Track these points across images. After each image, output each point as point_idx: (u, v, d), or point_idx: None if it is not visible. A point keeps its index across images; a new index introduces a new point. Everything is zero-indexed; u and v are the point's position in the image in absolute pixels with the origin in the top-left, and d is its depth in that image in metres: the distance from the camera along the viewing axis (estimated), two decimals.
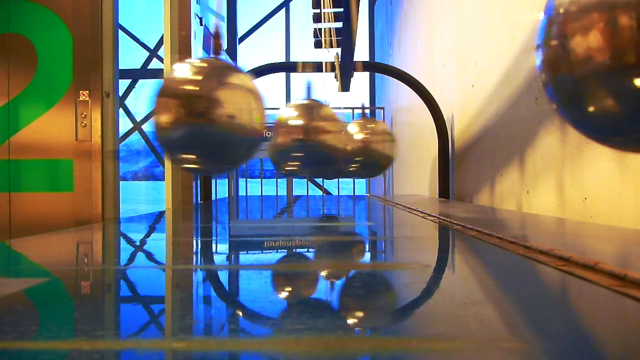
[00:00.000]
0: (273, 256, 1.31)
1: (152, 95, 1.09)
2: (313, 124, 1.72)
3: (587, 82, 0.60)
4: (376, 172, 2.66)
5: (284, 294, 0.84)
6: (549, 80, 0.66)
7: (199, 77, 1.10)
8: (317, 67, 3.72)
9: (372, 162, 2.46)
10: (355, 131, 2.41)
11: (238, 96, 1.11)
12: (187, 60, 1.16)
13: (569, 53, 0.60)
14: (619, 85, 0.57)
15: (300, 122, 1.73)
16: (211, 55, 1.16)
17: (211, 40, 1.20)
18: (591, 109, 0.62)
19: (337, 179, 5.18)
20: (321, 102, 1.82)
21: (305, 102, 1.80)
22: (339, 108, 3.61)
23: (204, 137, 1.08)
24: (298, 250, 1.43)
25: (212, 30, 1.24)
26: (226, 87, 1.11)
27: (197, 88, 1.08)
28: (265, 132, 1.25)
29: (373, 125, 2.53)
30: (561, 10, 0.62)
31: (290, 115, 1.75)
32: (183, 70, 1.13)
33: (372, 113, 7.43)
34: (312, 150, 1.71)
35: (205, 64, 1.15)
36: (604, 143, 0.69)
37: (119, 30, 3.29)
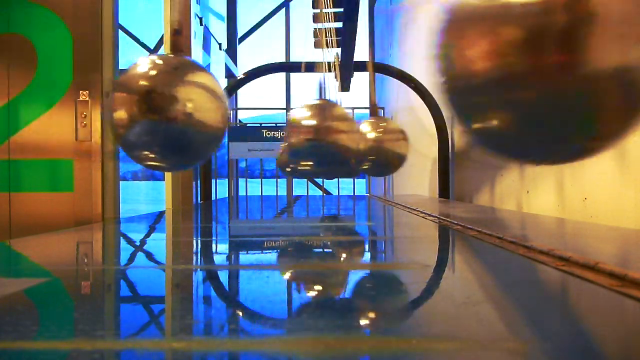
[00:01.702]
0: (273, 256, 1.31)
1: (110, 91, 1.09)
2: (326, 124, 1.72)
3: (474, 94, 0.59)
4: (389, 171, 2.65)
5: (283, 294, 0.84)
6: (442, 91, 0.65)
7: (154, 73, 1.09)
8: (318, 67, 3.71)
9: (385, 161, 2.44)
10: (367, 130, 2.40)
11: (194, 93, 1.11)
12: (146, 57, 1.15)
13: (455, 63, 0.60)
14: (505, 96, 0.57)
15: (313, 122, 1.73)
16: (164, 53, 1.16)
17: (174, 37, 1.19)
18: (482, 119, 0.62)
19: (337, 179, 5.19)
20: (334, 102, 1.82)
21: (318, 102, 1.80)
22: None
23: (161, 134, 1.08)
24: (298, 250, 1.42)
25: (176, 26, 1.22)
26: (183, 83, 1.10)
27: (153, 84, 1.07)
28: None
29: (385, 124, 2.53)
30: (447, 19, 0.62)
31: (303, 116, 1.75)
32: (141, 66, 1.11)
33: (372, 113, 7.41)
34: (325, 151, 1.71)
35: (161, 61, 1.14)
36: (496, 154, 0.69)
37: (119, 30, 3.29)
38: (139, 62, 1.12)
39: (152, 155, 1.16)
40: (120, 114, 1.07)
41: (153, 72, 1.09)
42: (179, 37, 1.19)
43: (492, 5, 0.56)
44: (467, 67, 0.58)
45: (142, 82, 1.07)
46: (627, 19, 0.51)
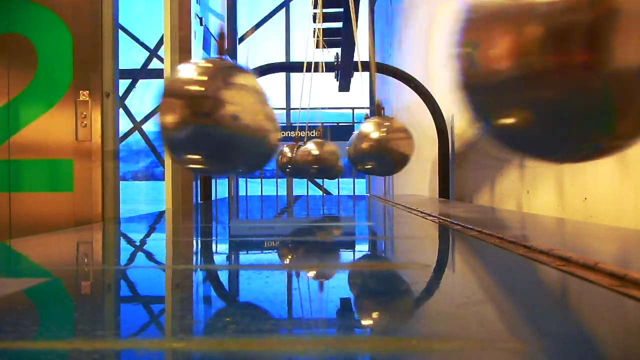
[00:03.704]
0: (273, 256, 1.31)
1: (157, 96, 1.08)
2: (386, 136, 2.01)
3: (496, 92, 0.59)
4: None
5: (283, 294, 0.84)
6: (463, 90, 0.65)
7: (205, 78, 1.10)
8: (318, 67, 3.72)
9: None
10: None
11: (243, 96, 1.11)
12: (191, 61, 1.16)
13: (476, 61, 0.60)
14: (524, 94, 0.57)
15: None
16: (216, 56, 1.16)
17: (216, 41, 1.20)
18: (502, 119, 0.62)
19: (337, 179, 5.19)
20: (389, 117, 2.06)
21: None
22: (339, 108, 3.62)
23: (211, 138, 1.07)
24: (298, 250, 1.42)
25: (216, 31, 1.22)
26: (232, 87, 1.10)
27: (203, 88, 1.07)
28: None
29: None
30: (470, 16, 0.62)
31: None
32: (188, 71, 1.12)
33: (373, 113, 7.43)
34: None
35: (210, 64, 1.14)
36: (518, 154, 0.69)
37: (119, 30, 3.29)
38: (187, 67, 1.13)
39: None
40: (169, 118, 1.06)
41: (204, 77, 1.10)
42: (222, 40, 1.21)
43: (513, 3, 0.56)
44: (490, 66, 0.58)
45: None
46: None
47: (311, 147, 2.98)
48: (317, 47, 4.33)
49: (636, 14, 0.51)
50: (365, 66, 3.90)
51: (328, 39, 5.16)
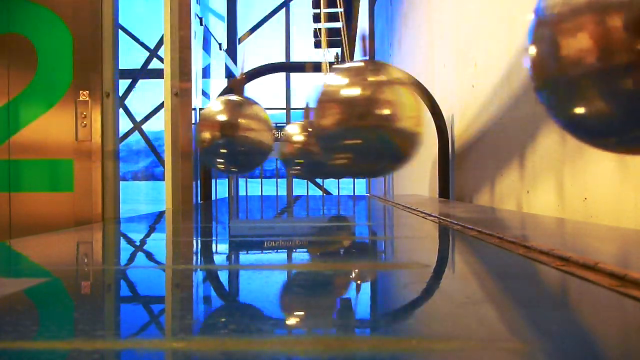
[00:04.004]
0: (273, 256, 1.31)
1: (315, 99, 1.15)
2: None
3: (576, 84, 0.59)
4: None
5: (283, 294, 0.84)
6: (539, 82, 0.65)
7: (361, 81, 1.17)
8: (318, 67, 3.72)
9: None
10: None
11: (397, 94, 1.17)
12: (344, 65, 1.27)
13: (559, 54, 0.60)
14: (608, 86, 0.57)
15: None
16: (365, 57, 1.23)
17: (362, 43, 1.28)
18: (582, 110, 0.62)
19: (337, 179, 5.19)
20: None
21: None
22: None
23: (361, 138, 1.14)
24: (298, 250, 1.42)
25: (363, 34, 1.29)
26: (385, 87, 1.16)
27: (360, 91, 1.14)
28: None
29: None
30: (550, 12, 0.62)
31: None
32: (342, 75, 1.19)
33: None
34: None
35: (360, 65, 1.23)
36: (597, 146, 0.69)
37: (119, 30, 3.29)
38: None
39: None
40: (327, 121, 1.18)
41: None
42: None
43: None
44: (570, 59, 0.58)
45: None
46: None
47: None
48: (319, 47, 4.33)
49: None
50: None
51: (328, 39, 5.16)
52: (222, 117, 1.64)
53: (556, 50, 0.60)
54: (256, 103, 1.72)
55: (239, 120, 1.63)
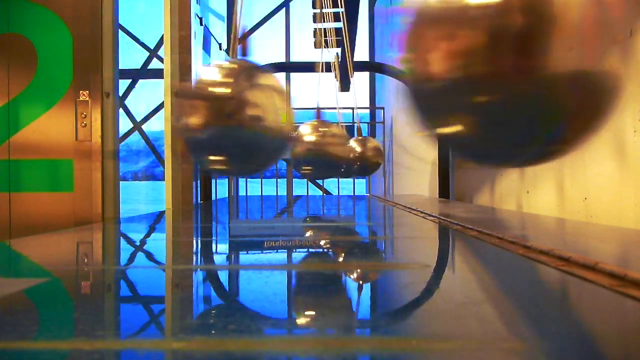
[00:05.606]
0: (273, 256, 1.31)
1: (178, 98, 1.11)
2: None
3: (436, 96, 0.59)
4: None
5: (283, 294, 0.84)
6: (406, 93, 0.65)
7: (229, 79, 1.11)
8: (317, 67, 3.72)
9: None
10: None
11: (265, 97, 1.12)
12: (214, 63, 1.19)
13: (417, 66, 0.60)
14: (466, 99, 0.57)
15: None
16: (239, 57, 1.18)
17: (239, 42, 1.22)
18: (441, 122, 0.62)
19: (337, 179, 5.19)
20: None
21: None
22: (339, 108, 3.64)
23: (232, 139, 1.07)
24: (298, 250, 1.42)
25: (239, 33, 1.23)
26: (255, 88, 1.11)
27: (228, 90, 1.08)
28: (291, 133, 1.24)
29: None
30: (409, 22, 0.62)
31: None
32: (212, 73, 1.13)
33: (372, 113, 7.44)
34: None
35: (234, 65, 1.15)
36: (462, 157, 0.70)
37: (119, 30, 3.29)
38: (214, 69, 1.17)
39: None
40: (193, 120, 1.08)
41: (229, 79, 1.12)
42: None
43: (451, 7, 0.56)
44: (428, 71, 0.58)
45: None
46: (585, 24, 0.51)
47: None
48: (318, 46, 4.33)
49: (570, 21, 0.51)
50: (366, 66, 3.92)
51: (327, 38, 5.15)
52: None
53: (415, 62, 0.61)
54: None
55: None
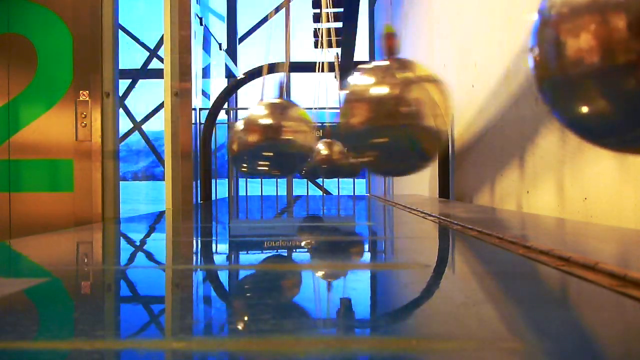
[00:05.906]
0: (273, 256, 1.31)
1: (345, 101, 1.19)
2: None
3: (579, 84, 0.60)
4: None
5: (283, 294, 0.84)
6: (542, 82, 0.66)
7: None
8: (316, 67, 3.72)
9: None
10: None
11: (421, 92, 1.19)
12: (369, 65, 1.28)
13: (561, 54, 0.61)
14: (610, 86, 0.57)
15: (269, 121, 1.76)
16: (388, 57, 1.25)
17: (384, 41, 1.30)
18: (584, 110, 0.62)
19: (337, 179, 5.19)
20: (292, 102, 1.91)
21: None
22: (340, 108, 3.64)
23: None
24: (298, 250, 1.42)
25: (385, 32, 1.32)
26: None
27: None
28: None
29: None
30: (553, 12, 0.62)
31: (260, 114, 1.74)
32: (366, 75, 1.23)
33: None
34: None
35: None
36: (599, 144, 0.70)
37: (119, 30, 3.29)
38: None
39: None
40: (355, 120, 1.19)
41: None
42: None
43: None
44: (572, 59, 0.59)
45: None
46: None
47: (320, 147, 3.07)
48: (319, 47, 4.33)
49: None
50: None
51: (328, 39, 5.15)
52: (266, 121, 1.71)
53: (558, 50, 0.61)
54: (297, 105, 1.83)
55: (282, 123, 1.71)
